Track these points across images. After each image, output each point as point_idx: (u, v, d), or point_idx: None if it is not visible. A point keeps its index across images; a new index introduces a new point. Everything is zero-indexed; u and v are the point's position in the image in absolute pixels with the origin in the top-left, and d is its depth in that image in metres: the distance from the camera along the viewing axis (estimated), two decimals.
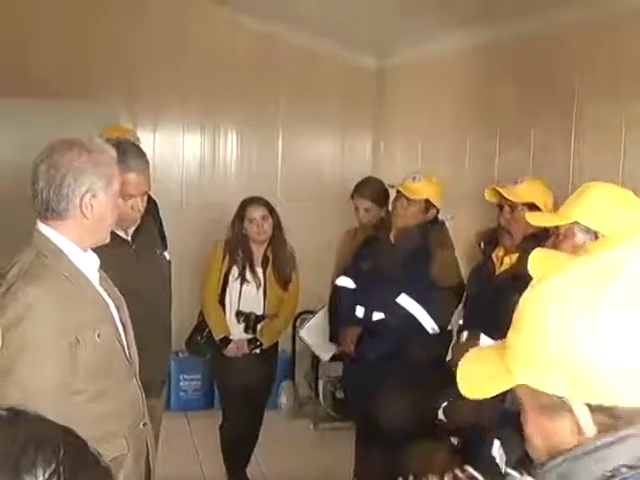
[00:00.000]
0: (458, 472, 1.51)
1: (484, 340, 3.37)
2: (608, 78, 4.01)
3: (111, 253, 2.51)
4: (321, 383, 6.08)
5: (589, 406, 1.03)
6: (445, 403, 3.48)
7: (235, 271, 4.70)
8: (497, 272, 3.58)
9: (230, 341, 4.68)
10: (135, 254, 3.35)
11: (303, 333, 5.15)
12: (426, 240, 4.21)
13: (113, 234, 2.54)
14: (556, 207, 3.11)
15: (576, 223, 2.56)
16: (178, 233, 5.57)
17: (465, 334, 3.62)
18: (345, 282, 4.50)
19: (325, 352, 5.01)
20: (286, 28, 6.31)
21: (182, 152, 6.57)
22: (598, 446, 1.02)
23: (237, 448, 4.89)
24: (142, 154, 3.26)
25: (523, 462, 1.21)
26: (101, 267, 2.42)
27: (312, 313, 5.26)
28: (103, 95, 6.03)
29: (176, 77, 6.28)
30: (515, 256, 3.46)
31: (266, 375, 4.87)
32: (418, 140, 6.12)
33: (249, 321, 4.69)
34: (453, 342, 3.97)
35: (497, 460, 2.95)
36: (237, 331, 4.71)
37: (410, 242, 4.22)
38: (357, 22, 5.67)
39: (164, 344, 3.54)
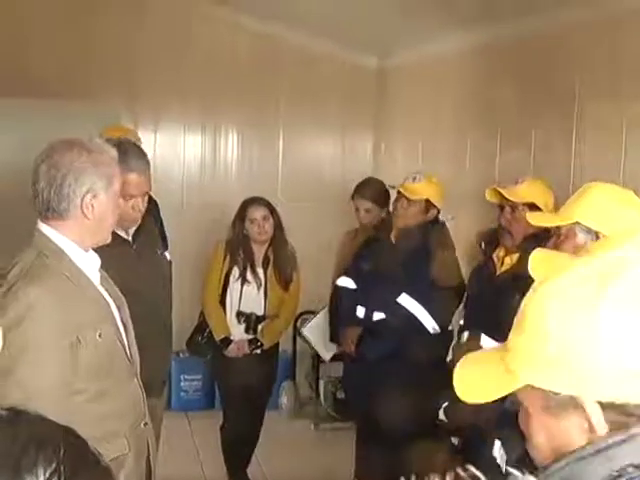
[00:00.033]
0: (460, 471, 1.51)
1: (485, 340, 3.37)
2: (608, 78, 4.01)
3: (112, 253, 2.51)
4: (322, 383, 6.08)
5: (600, 404, 1.02)
6: (446, 403, 3.48)
7: (236, 271, 4.70)
8: (498, 272, 3.57)
9: (231, 341, 4.68)
10: (136, 254, 3.36)
11: (305, 331, 5.16)
12: (427, 240, 4.21)
13: (114, 234, 2.54)
14: (557, 207, 3.11)
15: (577, 223, 2.56)
16: (179, 233, 5.57)
17: (466, 334, 3.62)
18: (346, 282, 4.50)
19: (326, 351, 5.01)
20: (286, 28, 6.31)
21: (183, 152, 6.57)
22: (610, 444, 1.02)
23: (238, 448, 4.89)
24: (143, 154, 3.26)
25: (524, 461, 1.20)
26: (102, 267, 2.42)
27: (313, 313, 5.26)
28: (104, 95, 6.04)
29: (177, 77, 6.28)
30: (516, 256, 3.46)
31: (267, 375, 4.87)
32: (419, 140, 6.12)
33: (250, 321, 4.69)
34: (454, 342, 3.96)
35: (498, 460, 2.95)
36: (238, 331, 4.71)
37: (411, 242, 4.22)
38: (357, 22, 5.67)
39: (165, 344, 3.54)
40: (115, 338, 2.37)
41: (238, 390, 4.69)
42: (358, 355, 4.32)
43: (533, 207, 3.43)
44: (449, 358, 3.87)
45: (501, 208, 3.58)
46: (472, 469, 1.48)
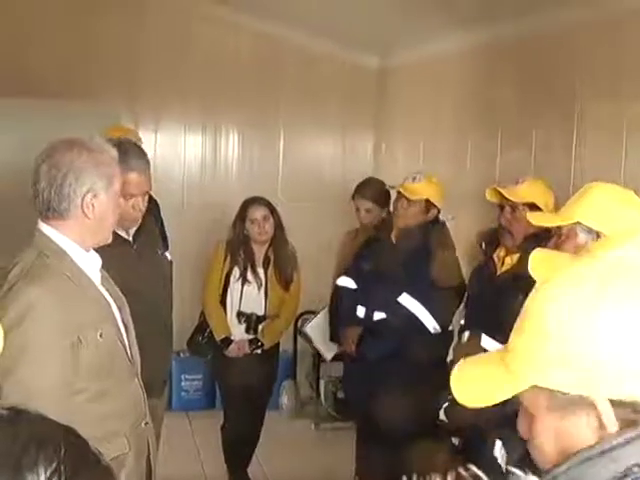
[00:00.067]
0: (462, 470, 1.51)
1: (485, 340, 3.37)
2: (609, 78, 4.01)
3: (112, 253, 2.51)
4: (322, 383, 6.09)
5: (611, 401, 1.02)
6: (446, 403, 3.48)
7: (236, 271, 4.70)
8: (498, 272, 3.57)
9: (231, 341, 4.68)
10: (136, 254, 3.36)
11: (307, 329, 5.16)
12: (427, 240, 4.22)
13: (114, 234, 2.54)
14: (557, 207, 3.11)
15: (578, 223, 2.56)
16: (179, 233, 5.58)
17: (466, 334, 3.62)
18: (346, 282, 4.50)
19: (328, 351, 5.02)
20: (287, 28, 6.31)
21: (183, 152, 6.57)
22: (614, 445, 1.01)
23: (238, 448, 4.89)
24: (143, 154, 3.26)
25: (525, 461, 1.20)
26: (102, 267, 2.42)
27: (313, 313, 5.26)
28: (104, 95, 6.04)
29: (177, 77, 6.29)
30: (516, 256, 3.46)
31: (267, 375, 4.87)
32: (419, 140, 6.11)
33: (250, 321, 4.70)
34: (454, 342, 3.96)
35: (499, 460, 2.96)
36: (238, 331, 4.71)
37: (411, 242, 4.22)
38: (358, 22, 5.67)
39: (165, 344, 3.54)
40: (116, 338, 2.37)
41: (239, 390, 4.69)
42: (358, 355, 4.32)
43: (533, 207, 3.43)
44: (450, 358, 3.88)
45: (501, 208, 3.58)
46: (474, 468, 1.48)
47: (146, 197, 3.24)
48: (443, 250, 4.22)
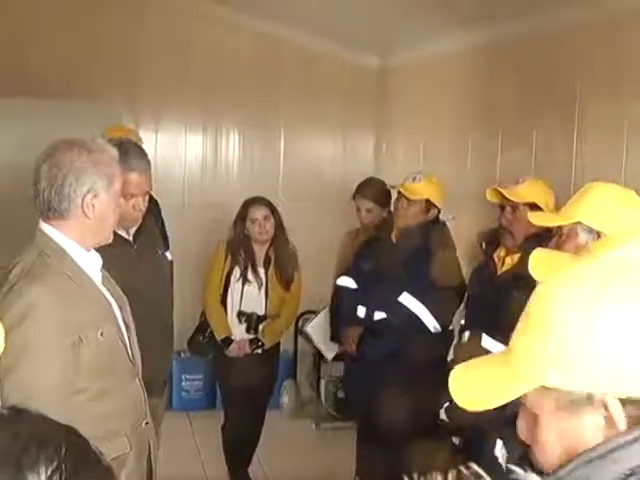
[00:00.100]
0: (462, 469, 1.51)
1: (486, 340, 3.37)
2: (609, 78, 4.01)
3: (113, 253, 2.52)
4: (323, 383, 6.09)
5: (620, 400, 1.01)
6: (447, 403, 3.48)
7: (237, 271, 4.70)
8: (498, 272, 3.57)
9: (232, 341, 4.68)
10: (137, 254, 3.36)
11: (308, 329, 5.16)
12: (427, 240, 4.22)
13: (115, 234, 2.54)
14: (558, 207, 3.11)
15: (579, 223, 2.56)
16: (180, 233, 5.57)
17: (467, 334, 3.62)
18: (347, 282, 4.50)
19: (329, 350, 5.02)
20: (287, 28, 6.31)
21: (184, 152, 6.57)
22: (621, 444, 1.01)
23: (239, 448, 4.89)
24: (144, 154, 3.27)
25: (525, 459, 1.20)
26: (103, 267, 2.43)
27: (314, 313, 5.27)
28: (105, 95, 6.04)
29: (177, 77, 6.29)
30: (517, 256, 3.46)
31: (268, 375, 4.87)
32: (420, 140, 6.12)
33: (251, 321, 4.70)
34: (455, 342, 3.97)
35: (500, 460, 2.96)
36: (239, 331, 4.71)
37: (411, 242, 4.22)
38: (358, 22, 5.67)
39: (166, 344, 3.55)
40: (117, 337, 2.37)
41: (239, 390, 4.69)
42: (359, 355, 4.32)
43: (534, 207, 3.43)
44: (450, 358, 3.88)
45: (502, 208, 3.58)
46: (475, 467, 1.48)
47: (146, 197, 3.25)
48: (443, 250, 4.22)
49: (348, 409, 5.44)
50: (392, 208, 4.55)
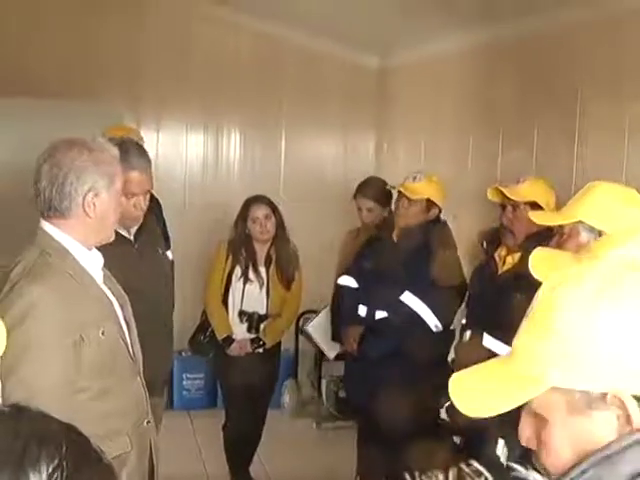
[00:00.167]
0: (463, 466, 1.51)
1: (487, 340, 3.38)
2: (610, 78, 4.01)
3: (114, 252, 2.52)
4: (324, 382, 6.09)
5: (635, 397, 1.01)
6: (448, 402, 3.48)
7: (238, 271, 4.71)
8: (499, 272, 3.58)
9: (233, 340, 4.68)
10: (137, 253, 3.36)
11: (309, 328, 5.16)
12: (428, 239, 4.22)
13: (116, 233, 2.54)
14: (558, 207, 3.11)
15: (580, 222, 2.55)
16: (181, 233, 5.57)
17: (468, 333, 3.62)
18: (348, 281, 4.50)
19: (331, 349, 5.02)
20: (287, 28, 6.31)
21: (185, 152, 6.58)
22: (630, 443, 1.01)
23: (240, 447, 4.90)
24: (144, 152, 3.27)
25: (527, 457, 1.19)
26: (104, 266, 2.43)
27: (315, 312, 5.27)
28: (106, 95, 6.04)
29: (178, 77, 6.29)
30: (517, 255, 3.46)
31: (269, 374, 4.87)
32: (421, 140, 6.12)
33: (252, 321, 4.70)
34: (456, 341, 3.97)
35: (501, 459, 2.95)
36: (240, 331, 4.72)
37: (412, 242, 4.22)
38: (358, 22, 5.67)
39: (166, 343, 3.55)
40: (118, 336, 2.37)
41: (240, 389, 4.70)
42: (360, 354, 4.32)
43: (535, 206, 3.43)
44: (451, 357, 3.88)
45: (503, 207, 3.59)
46: (475, 464, 1.48)
47: (147, 196, 3.25)
48: (444, 249, 4.22)
49: (349, 408, 5.44)
50: (393, 207, 4.56)
